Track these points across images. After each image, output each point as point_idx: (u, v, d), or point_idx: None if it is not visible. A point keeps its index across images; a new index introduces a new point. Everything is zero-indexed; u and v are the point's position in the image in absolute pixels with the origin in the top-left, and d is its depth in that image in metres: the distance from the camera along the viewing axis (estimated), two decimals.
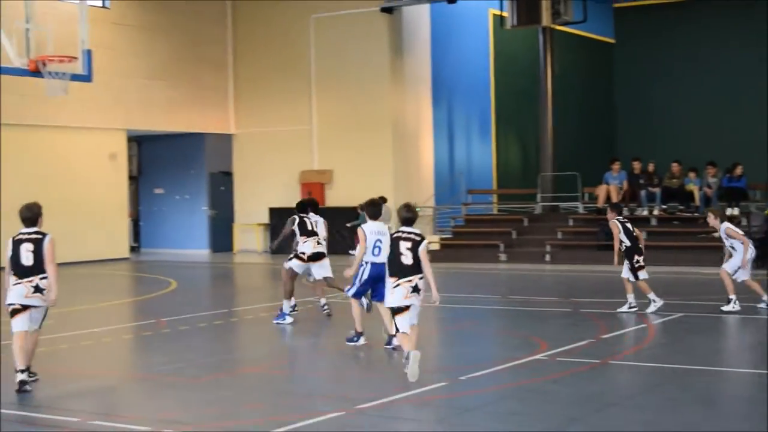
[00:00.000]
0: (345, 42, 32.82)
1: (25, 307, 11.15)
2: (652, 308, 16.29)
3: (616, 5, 41.88)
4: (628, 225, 17.00)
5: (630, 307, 16.39)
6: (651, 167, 28.16)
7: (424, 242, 11.66)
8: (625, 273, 16.71)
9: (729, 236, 16.39)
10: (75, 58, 21.43)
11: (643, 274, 16.63)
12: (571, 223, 28.94)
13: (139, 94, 32.12)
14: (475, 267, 26.71)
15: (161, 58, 32.86)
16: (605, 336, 14.13)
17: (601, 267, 25.17)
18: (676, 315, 15.87)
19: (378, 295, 12.85)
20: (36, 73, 20.78)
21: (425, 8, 33.33)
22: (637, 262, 16.62)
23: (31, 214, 11.97)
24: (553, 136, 31.87)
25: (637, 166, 28.30)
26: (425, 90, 33.68)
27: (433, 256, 28.99)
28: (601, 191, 28.28)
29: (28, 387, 10.76)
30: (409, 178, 32.80)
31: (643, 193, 27.78)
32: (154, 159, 36.02)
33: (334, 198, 32.72)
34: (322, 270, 16.41)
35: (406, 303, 11.36)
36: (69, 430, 9.28)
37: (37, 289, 11.24)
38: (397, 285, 11.38)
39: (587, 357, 12.49)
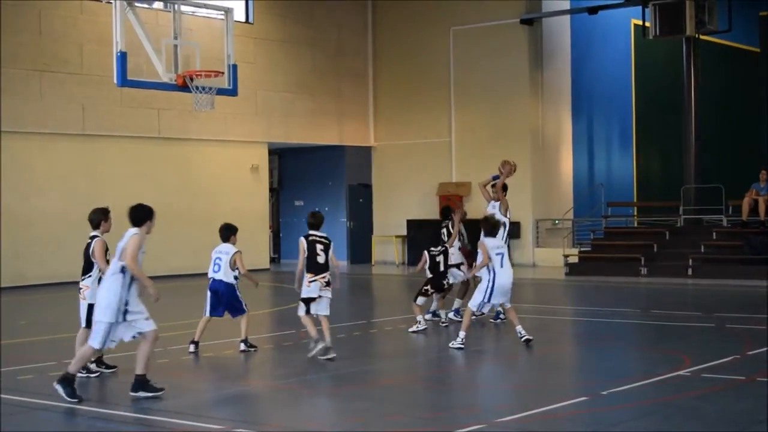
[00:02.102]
0: (484, 54, 32.78)
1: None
2: None
3: (762, 13, 40.85)
4: None
5: None
6: None
7: (332, 245, 13.83)
8: None
9: None
10: (221, 72, 21.83)
11: None
12: (714, 236, 28.31)
13: (280, 107, 32.64)
14: (614, 280, 26.34)
15: (302, 72, 33.33)
16: (751, 352, 13.77)
17: (746, 281, 24.60)
18: None
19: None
20: (183, 88, 21.23)
21: (565, 19, 33.11)
22: None
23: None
24: (697, 147, 31.25)
25: None
26: (565, 101, 33.43)
27: (572, 268, 28.76)
28: (744, 204, 27.61)
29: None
30: (547, 191, 32.56)
31: None
32: (294, 171, 36.49)
33: (473, 211, 32.60)
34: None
35: (321, 294, 13.54)
36: None
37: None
38: (314, 280, 13.51)
39: (733, 373, 12.19)
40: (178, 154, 30.05)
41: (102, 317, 11.00)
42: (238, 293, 14.60)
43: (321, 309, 13.63)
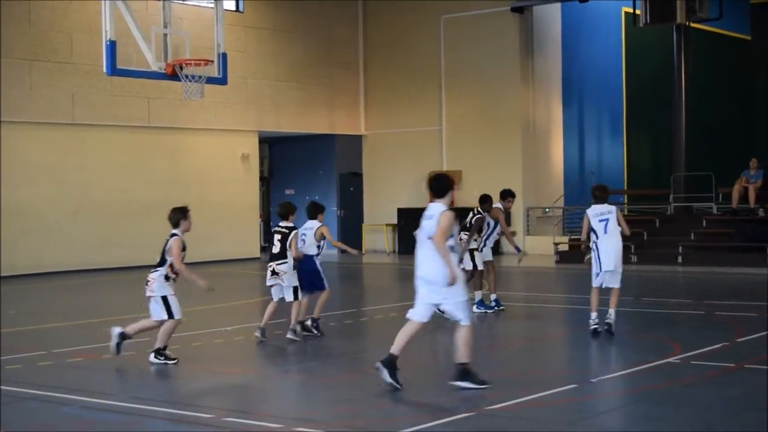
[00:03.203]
0: (475, 42, 32.76)
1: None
2: None
3: (753, 1, 40.86)
4: None
5: None
6: None
7: (292, 233, 14.30)
8: None
9: None
10: (211, 61, 21.79)
11: None
12: (704, 224, 28.36)
13: (270, 96, 32.60)
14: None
15: (293, 60, 33.28)
16: (740, 339, 13.81)
17: (736, 269, 24.66)
18: None
19: None
20: (173, 76, 21.17)
21: (556, 7, 33.10)
22: None
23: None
24: (687, 135, 31.28)
25: None
26: (555, 90, 33.45)
27: (562, 256, 28.78)
28: (735, 192, 27.68)
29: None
30: (538, 179, 32.59)
31: None
32: (285, 160, 36.46)
33: (463, 199, 32.65)
34: None
35: (270, 282, 14.33)
36: (205, 425, 9.44)
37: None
38: (268, 269, 14.30)
39: (722, 360, 12.21)
40: (168, 143, 29.99)
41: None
42: (318, 267, 14.61)
43: (285, 295, 14.31)
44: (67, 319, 17.55)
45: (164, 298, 12.53)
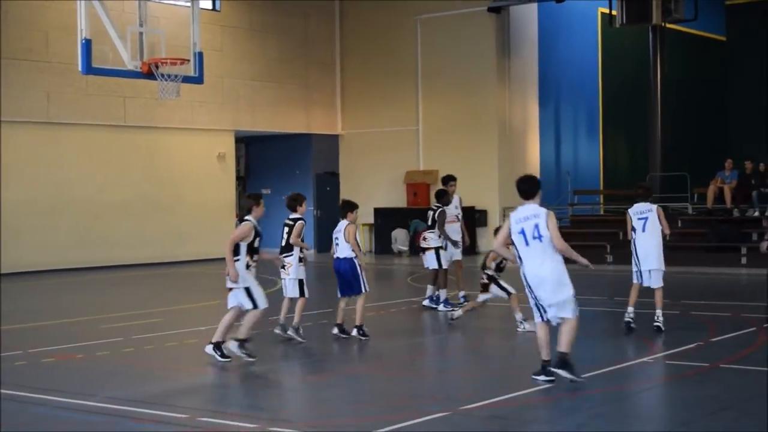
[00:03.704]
0: (451, 42, 32.81)
1: None
2: None
3: (728, 2, 41.07)
4: None
5: None
6: (763, 167, 27.58)
7: (297, 223, 14.35)
8: None
9: None
10: (187, 60, 21.74)
11: None
12: (679, 224, 28.46)
13: (247, 95, 32.54)
14: (580, 268, 26.40)
15: (269, 60, 33.24)
16: (715, 339, 13.88)
17: (711, 269, 24.77)
18: None
19: None
20: (149, 75, 21.12)
21: (533, 7, 33.16)
22: None
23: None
24: (662, 135, 31.40)
25: (749, 166, 27.73)
26: (532, 90, 33.51)
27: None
28: (710, 192, 27.82)
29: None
30: (514, 179, 32.33)
31: (754, 194, 27.22)
32: (261, 159, 36.39)
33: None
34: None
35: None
36: (179, 425, 9.42)
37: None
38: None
39: (697, 360, 12.27)
40: (144, 142, 29.89)
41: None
42: (358, 270, 14.11)
43: (288, 289, 14.42)
44: (43, 319, 17.45)
45: (247, 289, 12.36)
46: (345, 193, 35.25)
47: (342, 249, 14.10)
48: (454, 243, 17.92)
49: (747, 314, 16.11)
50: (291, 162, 35.70)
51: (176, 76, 21.33)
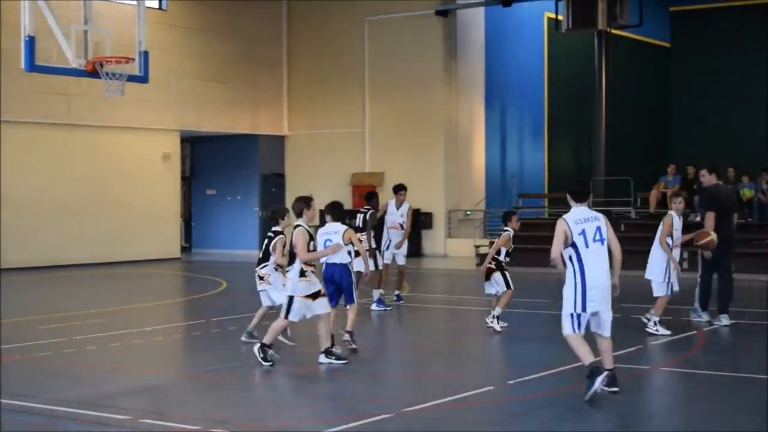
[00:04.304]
0: (399, 44, 32.88)
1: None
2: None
3: (673, 9, 41.52)
4: None
5: None
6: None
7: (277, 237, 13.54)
8: None
9: None
10: (132, 59, 21.61)
11: None
12: (623, 228, 28.69)
13: (193, 95, 32.38)
14: (525, 271, 26.56)
15: (216, 60, 33.09)
16: (655, 342, 14.02)
17: None
18: (730, 322, 15.69)
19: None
20: (93, 74, 20.97)
21: (480, 11, 33.32)
22: None
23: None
24: (606, 140, 31.67)
25: (691, 171, 28.04)
26: (478, 93, 33.66)
27: (483, 259, 28.83)
28: (652, 196, 28.10)
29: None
30: (460, 182, 32.78)
31: (696, 198, 27.49)
32: (207, 160, 36.24)
33: (385, 201, 32.66)
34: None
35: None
36: (120, 427, 9.36)
37: None
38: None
39: (637, 363, 12.39)
40: (89, 141, 29.64)
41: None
42: (353, 278, 13.18)
43: (275, 299, 13.75)
44: None
45: (290, 298, 12.10)
46: (291, 195, 35.13)
47: (338, 254, 12.82)
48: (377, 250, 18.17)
49: (686, 317, 16.30)
50: (237, 163, 35.59)
51: (121, 75, 21.19)
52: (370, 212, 17.87)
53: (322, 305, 12.20)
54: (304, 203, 12.49)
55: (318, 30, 34.56)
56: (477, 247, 29.55)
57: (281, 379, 11.86)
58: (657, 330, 14.58)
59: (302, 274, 12.05)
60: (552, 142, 37.03)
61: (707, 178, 16.77)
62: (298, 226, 12.25)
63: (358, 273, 16.98)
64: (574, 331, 10.34)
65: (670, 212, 15.22)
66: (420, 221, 32.01)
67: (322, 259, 12.88)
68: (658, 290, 14.98)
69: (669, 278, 14.97)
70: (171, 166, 32.21)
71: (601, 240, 10.46)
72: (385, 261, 18.39)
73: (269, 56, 34.87)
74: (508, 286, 15.31)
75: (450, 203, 32.17)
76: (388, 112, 33.25)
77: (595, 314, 10.36)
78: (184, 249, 34.63)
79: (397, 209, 18.74)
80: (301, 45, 35.03)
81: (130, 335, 15.00)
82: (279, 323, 12.24)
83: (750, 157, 34.15)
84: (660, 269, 15.02)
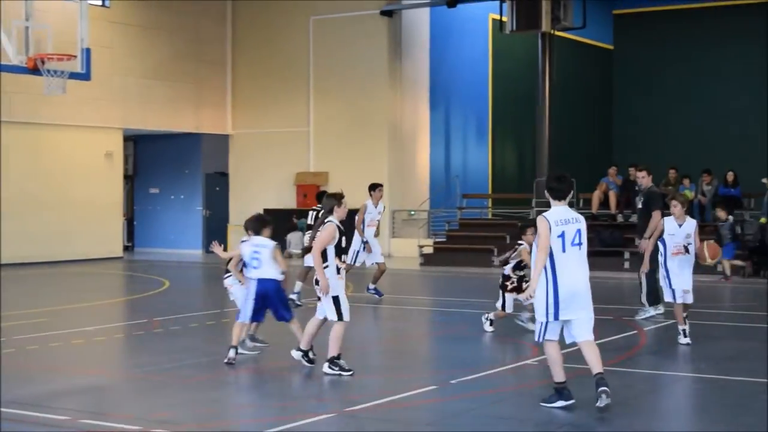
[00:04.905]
0: (344, 44, 32.87)
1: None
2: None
3: (616, 12, 41.89)
4: None
5: None
6: None
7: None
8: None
9: None
10: (74, 56, 21.43)
11: None
12: None
13: (136, 93, 32.14)
14: (468, 271, 26.72)
15: (160, 58, 32.88)
16: (598, 342, 14.06)
17: (595, 273, 25.13)
18: (669, 322, 15.86)
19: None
20: (34, 71, 20.78)
21: (425, 12, 33.40)
22: None
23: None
24: (550, 141, 31.85)
25: (632, 172, 28.26)
26: (423, 93, 33.74)
27: (427, 259, 29.08)
28: (594, 197, 28.34)
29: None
30: (404, 181, 32.83)
31: (638, 199, 27.74)
32: (150, 158, 36.02)
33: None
34: None
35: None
36: (59, 428, 9.28)
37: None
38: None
39: (578, 362, 12.45)
40: (29, 139, 29.31)
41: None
42: (282, 293, 12.60)
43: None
44: None
45: (335, 298, 11.48)
46: (234, 194, 35.07)
47: (266, 270, 12.32)
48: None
49: (628, 317, 16.47)
50: (180, 161, 35.42)
51: (63, 72, 21.02)
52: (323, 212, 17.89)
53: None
54: (335, 200, 11.77)
55: (263, 29, 34.46)
56: (421, 246, 29.64)
57: (226, 379, 11.80)
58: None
59: (338, 271, 11.54)
60: (496, 142, 37.18)
61: (647, 180, 17.02)
62: (329, 221, 11.62)
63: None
64: (541, 339, 9.92)
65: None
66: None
67: (254, 275, 12.33)
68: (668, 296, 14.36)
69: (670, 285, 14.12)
70: (114, 164, 31.95)
71: (580, 244, 9.78)
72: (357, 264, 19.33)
73: (214, 55, 34.70)
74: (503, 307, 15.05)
75: (394, 203, 32.20)
76: (332, 112, 33.23)
77: (568, 321, 9.91)
78: (126, 248, 34.38)
79: (375, 207, 19.68)
80: (246, 44, 34.91)
81: (71, 335, 14.86)
82: (339, 329, 11.56)
83: (690, 159, 34.60)
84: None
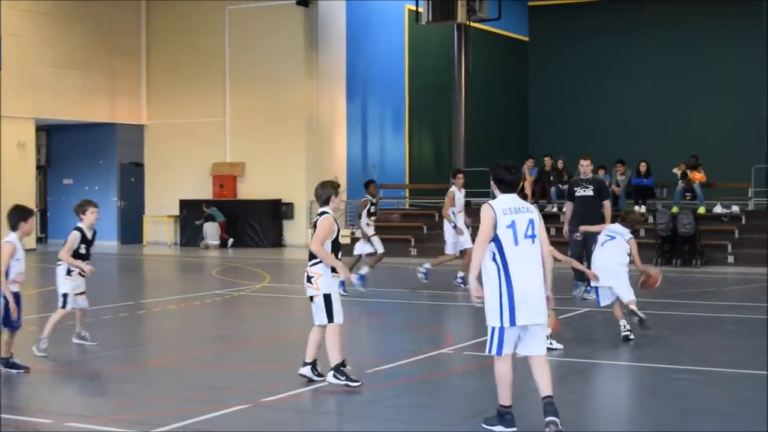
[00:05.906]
0: (260, 34, 32.71)
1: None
2: None
3: (531, 3, 42.21)
4: None
5: None
6: (561, 164, 28.47)
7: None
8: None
9: None
10: None
11: None
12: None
13: (49, 82, 31.64)
14: (385, 261, 26.70)
15: (73, 47, 32.40)
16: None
17: None
18: (583, 310, 16.03)
19: None
20: None
21: (341, 2, 33.41)
22: None
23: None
24: (466, 132, 32.04)
25: (548, 162, 28.60)
26: (339, 84, 33.71)
27: (345, 250, 29.00)
28: None
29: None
30: (321, 172, 32.71)
31: (552, 189, 28.06)
32: (64, 149, 35.50)
33: (246, 191, 32.55)
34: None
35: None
36: None
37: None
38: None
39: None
40: None
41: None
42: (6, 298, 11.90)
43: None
44: None
45: (327, 297, 10.58)
46: (150, 184, 34.73)
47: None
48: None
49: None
50: (94, 152, 34.96)
51: None
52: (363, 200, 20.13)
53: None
54: (332, 189, 10.79)
55: (178, 18, 34.15)
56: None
57: (136, 371, 11.68)
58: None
59: (333, 270, 10.62)
60: (413, 133, 37.28)
61: (590, 168, 17.49)
62: (325, 213, 10.65)
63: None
64: (498, 351, 8.52)
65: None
66: (281, 211, 31.96)
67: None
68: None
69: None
70: (26, 154, 31.44)
71: (533, 237, 8.53)
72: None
73: (128, 44, 34.29)
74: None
75: (311, 193, 32.07)
76: (249, 102, 33.06)
77: (525, 328, 8.49)
78: (39, 240, 33.86)
79: (460, 192, 20.89)
80: (160, 33, 34.56)
81: None
82: (332, 333, 10.60)
83: (604, 148, 34.94)
84: None
